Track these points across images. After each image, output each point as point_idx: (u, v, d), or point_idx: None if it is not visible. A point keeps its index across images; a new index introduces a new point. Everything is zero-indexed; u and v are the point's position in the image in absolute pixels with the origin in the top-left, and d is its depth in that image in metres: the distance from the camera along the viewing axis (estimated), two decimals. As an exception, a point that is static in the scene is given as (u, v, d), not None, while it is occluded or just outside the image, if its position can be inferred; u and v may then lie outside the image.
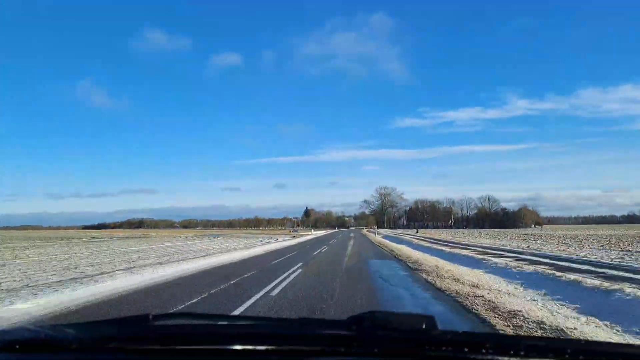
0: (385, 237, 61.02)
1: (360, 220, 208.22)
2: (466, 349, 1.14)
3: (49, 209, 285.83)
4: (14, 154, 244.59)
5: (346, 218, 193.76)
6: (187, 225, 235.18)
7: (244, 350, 1.19)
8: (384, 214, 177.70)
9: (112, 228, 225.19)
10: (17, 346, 1.23)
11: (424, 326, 1.20)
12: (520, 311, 7.23)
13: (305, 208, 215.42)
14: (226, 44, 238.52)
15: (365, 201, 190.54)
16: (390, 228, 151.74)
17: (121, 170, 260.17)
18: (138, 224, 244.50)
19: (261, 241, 42.38)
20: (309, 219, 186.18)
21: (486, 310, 7.51)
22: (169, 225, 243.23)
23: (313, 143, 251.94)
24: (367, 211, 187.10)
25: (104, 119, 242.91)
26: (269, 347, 1.19)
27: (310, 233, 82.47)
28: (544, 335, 5.56)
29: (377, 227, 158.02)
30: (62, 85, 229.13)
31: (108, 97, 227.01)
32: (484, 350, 1.12)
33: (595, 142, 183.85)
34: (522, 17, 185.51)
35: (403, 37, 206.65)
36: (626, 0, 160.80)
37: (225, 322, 1.46)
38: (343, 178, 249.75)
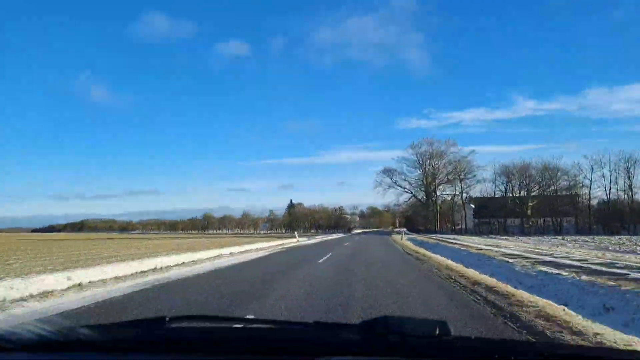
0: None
1: (370, 218, 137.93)
2: (479, 355, 1.12)
3: (54, 211, 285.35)
4: (16, 155, 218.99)
5: (347, 216, 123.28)
6: (126, 227, 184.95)
7: (257, 353, 1.20)
8: (430, 202, 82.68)
9: (58, 230, 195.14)
10: (36, 346, 1.24)
11: (437, 332, 1.15)
12: None
13: (289, 201, 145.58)
14: (232, 31, 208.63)
15: (388, 172, 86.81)
16: (448, 232, 72.88)
17: (124, 170, 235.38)
18: (80, 226, 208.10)
19: None
20: (292, 215, 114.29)
21: None
22: (107, 227, 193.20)
23: (321, 142, 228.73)
24: (379, 205, 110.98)
25: (105, 116, 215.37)
26: (283, 351, 1.19)
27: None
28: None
29: (408, 231, 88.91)
30: (61, 80, 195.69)
31: (107, 92, 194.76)
32: (496, 357, 1.09)
33: (604, 143, 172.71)
34: (528, 13, 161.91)
35: (411, 31, 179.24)
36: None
37: (240, 325, 1.45)
38: (351, 178, 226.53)
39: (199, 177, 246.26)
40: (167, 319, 1.36)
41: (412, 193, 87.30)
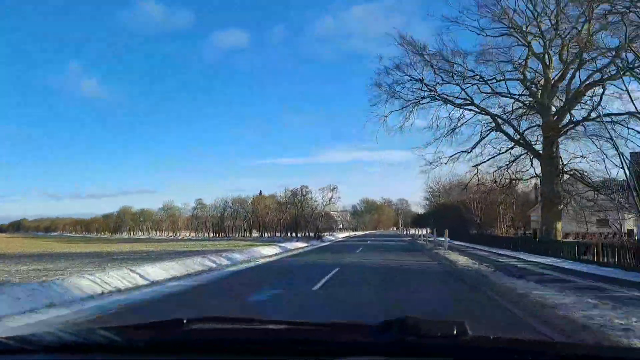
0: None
1: (365, 215, 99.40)
2: (497, 355, 1.12)
3: (48, 210, 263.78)
4: (9, 153, 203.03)
5: (335, 213, 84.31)
6: (49, 227, 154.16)
7: (273, 354, 1.20)
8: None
9: (4, 231, 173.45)
10: (55, 348, 1.26)
11: (455, 332, 1.15)
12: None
13: (259, 192, 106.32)
14: (230, 22, 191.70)
15: (415, 56, 27.59)
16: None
17: (119, 168, 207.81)
18: (18, 226, 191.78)
19: None
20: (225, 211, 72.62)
21: None
22: (35, 227, 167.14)
23: (320, 141, 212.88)
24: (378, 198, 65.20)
25: (97, 111, 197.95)
26: (299, 352, 1.20)
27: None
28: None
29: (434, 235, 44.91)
30: (50, 72, 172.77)
31: (98, 86, 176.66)
32: (515, 357, 1.09)
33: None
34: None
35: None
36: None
37: (257, 327, 1.47)
38: (351, 179, 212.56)
39: (196, 177, 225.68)
40: (185, 320, 1.34)
41: (496, 117, 27.10)
